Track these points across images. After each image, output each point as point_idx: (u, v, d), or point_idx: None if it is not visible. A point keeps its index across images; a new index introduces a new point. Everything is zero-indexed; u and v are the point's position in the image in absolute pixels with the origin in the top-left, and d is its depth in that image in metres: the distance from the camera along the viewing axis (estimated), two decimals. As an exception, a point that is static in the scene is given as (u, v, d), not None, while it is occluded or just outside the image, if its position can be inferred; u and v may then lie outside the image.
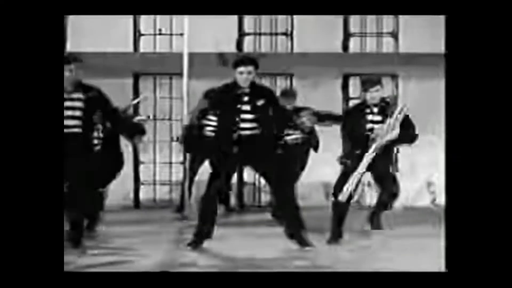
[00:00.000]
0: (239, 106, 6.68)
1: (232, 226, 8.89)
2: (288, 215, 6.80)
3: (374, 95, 6.97)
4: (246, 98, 6.70)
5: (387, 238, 7.51)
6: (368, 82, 7.02)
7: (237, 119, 6.67)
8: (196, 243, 6.75)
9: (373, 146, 6.88)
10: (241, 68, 6.69)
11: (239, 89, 6.71)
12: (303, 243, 6.73)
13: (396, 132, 6.87)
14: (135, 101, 7.63)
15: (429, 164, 10.40)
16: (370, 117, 7.03)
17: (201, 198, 6.91)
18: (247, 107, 6.69)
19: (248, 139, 6.67)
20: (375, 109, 7.01)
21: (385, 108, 7.04)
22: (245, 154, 6.72)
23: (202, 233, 6.80)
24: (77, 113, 6.31)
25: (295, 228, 6.78)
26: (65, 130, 6.12)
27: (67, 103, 6.26)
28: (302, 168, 8.63)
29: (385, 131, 6.89)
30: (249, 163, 6.95)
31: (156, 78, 11.30)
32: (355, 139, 7.05)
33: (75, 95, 6.32)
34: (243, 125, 6.67)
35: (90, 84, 6.63)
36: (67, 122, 6.20)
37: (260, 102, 6.71)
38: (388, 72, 10.77)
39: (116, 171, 7.96)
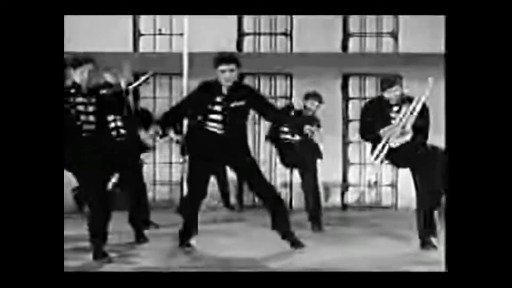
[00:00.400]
0: (210, 106, 6.57)
1: (232, 226, 8.89)
2: (275, 215, 6.74)
3: (391, 95, 6.73)
4: (220, 99, 6.57)
5: (387, 239, 7.52)
6: (386, 83, 6.78)
7: (206, 118, 6.57)
8: (183, 242, 6.76)
9: (386, 145, 6.62)
10: (223, 66, 6.53)
11: (217, 89, 6.60)
12: (295, 243, 6.72)
13: (408, 136, 6.61)
14: (142, 80, 7.44)
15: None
16: (392, 114, 6.74)
17: (184, 199, 6.90)
18: (221, 107, 6.57)
19: (224, 139, 6.57)
20: (395, 108, 6.75)
21: (402, 104, 6.75)
22: (220, 155, 6.64)
23: (189, 231, 6.78)
24: (92, 117, 6.13)
25: (285, 227, 6.75)
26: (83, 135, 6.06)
27: (85, 107, 6.10)
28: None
29: (397, 131, 6.62)
30: (225, 163, 6.88)
31: (156, 78, 11.30)
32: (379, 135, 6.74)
33: (92, 99, 6.16)
34: (213, 124, 6.57)
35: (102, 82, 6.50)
36: (84, 126, 6.08)
37: (237, 104, 6.57)
38: (388, 72, 10.76)
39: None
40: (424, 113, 6.74)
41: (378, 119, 6.75)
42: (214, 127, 6.58)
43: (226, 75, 6.55)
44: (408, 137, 6.65)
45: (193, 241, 6.78)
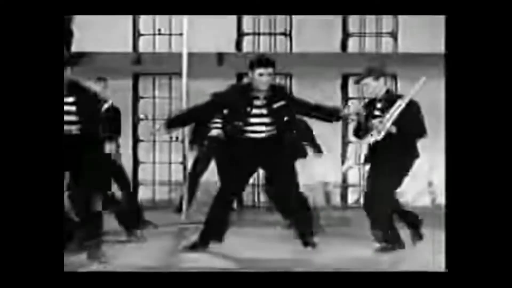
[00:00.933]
0: (249, 109, 6.48)
1: (232, 226, 8.88)
2: (299, 215, 6.76)
3: (364, 89, 6.65)
4: (259, 102, 6.50)
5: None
6: (363, 74, 6.64)
7: (246, 122, 6.48)
8: (196, 247, 6.70)
9: (366, 139, 6.53)
10: (261, 70, 6.44)
11: (254, 92, 6.51)
12: (309, 243, 6.71)
13: (386, 127, 6.41)
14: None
15: (429, 165, 10.40)
16: (375, 112, 6.61)
17: (212, 203, 6.75)
18: (260, 111, 6.50)
19: (259, 142, 6.51)
20: (379, 105, 6.61)
21: (389, 101, 6.54)
22: (257, 158, 6.58)
23: (207, 238, 6.71)
24: (72, 117, 6.00)
25: (305, 228, 6.75)
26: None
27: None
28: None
29: (381, 125, 6.45)
30: (260, 167, 6.80)
31: (155, 78, 11.30)
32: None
33: (68, 99, 5.99)
34: (254, 128, 6.51)
35: (82, 85, 6.29)
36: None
37: (276, 105, 6.51)
38: (388, 72, 10.74)
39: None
40: (413, 110, 6.55)
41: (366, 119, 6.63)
42: (255, 131, 6.51)
43: (264, 79, 6.45)
44: (378, 137, 6.49)
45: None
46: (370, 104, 6.74)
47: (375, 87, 6.63)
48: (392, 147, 6.51)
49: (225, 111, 6.78)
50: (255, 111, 6.52)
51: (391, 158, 6.53)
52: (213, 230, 6.70)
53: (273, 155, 6.57)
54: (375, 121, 6.54)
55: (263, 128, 6.52)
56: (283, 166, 6.66)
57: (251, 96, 6.52)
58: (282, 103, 6.55)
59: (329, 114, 6.79)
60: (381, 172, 6.57)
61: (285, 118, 6.67)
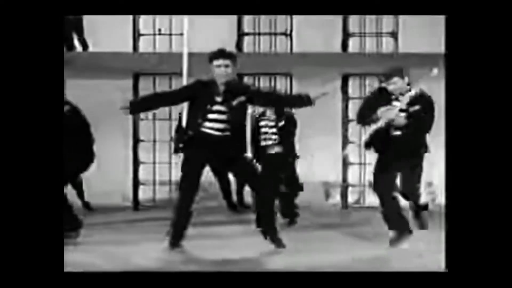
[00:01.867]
0: (209, 105, 6.49)
1: (231, 226, 8.89)
2: (263, 214, 6.75)
3: (392, 87, 6.70)
4: (219, 98, 6.52)
5: (387, 238, 7.52)
6: (386, 75, 6.78)
7: (204, 117, 6.48)
8: (174, 244, 6.73)
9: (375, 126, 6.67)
10: (219, 61, 6.49)
11: (214, 87, 6.53)
12: (277, 243, 6.71)
13: (399, 120, 6.62)
14: None
15: (429, 164, 10.38)
16: (395, 103, 6.71)
17: (177, 198, 6.83)
18: (219, 107, 6.51)
19: (218, 139, 6.51)
20: (403, 99, 6.67)
21: (416, 98, 6.67)
22: (214, 154, 6.57)
23: (178, 233, 6.75)
24: None
25: (269, 226, 6.74)
26: None
27: None
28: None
29: (392, 114, 6.62)
30: (218, 164, 6.76)
31: (155, 78, 11.31)
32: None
33: None
34: (212, 124, 6.50)
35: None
36: None
37: (235, 102, 6.51)
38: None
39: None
40: (423, 105, 6.68)
41: (377, 107, 6.72)
42: (213, 127, 6.51)
43: (222, 70, 6.49)
44: (398, 123, 6.65)
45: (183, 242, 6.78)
46: (384, 94, 6.81)
47: (402, 85, 6.72)
48: (402, 140, 6.72)
49: (188, 104, 6.76)
50: (216, 107, 6.52)
51: (400, 151, 6.78)
52: (178, 229, 6.75)
53: (235, 153, 6.60)
54: (382, 109, 6.66)
55: (218, 125, 6.51)
56: (244, 164, 6.70)
57: (214, 91, 6.53)
58: (242, 99, 6.56)
59: (300, 99, 6.81)
60: (389, 162, 6.88)
61: (242, 115, 6.71)
